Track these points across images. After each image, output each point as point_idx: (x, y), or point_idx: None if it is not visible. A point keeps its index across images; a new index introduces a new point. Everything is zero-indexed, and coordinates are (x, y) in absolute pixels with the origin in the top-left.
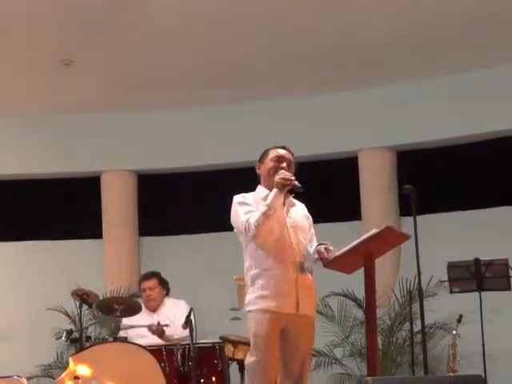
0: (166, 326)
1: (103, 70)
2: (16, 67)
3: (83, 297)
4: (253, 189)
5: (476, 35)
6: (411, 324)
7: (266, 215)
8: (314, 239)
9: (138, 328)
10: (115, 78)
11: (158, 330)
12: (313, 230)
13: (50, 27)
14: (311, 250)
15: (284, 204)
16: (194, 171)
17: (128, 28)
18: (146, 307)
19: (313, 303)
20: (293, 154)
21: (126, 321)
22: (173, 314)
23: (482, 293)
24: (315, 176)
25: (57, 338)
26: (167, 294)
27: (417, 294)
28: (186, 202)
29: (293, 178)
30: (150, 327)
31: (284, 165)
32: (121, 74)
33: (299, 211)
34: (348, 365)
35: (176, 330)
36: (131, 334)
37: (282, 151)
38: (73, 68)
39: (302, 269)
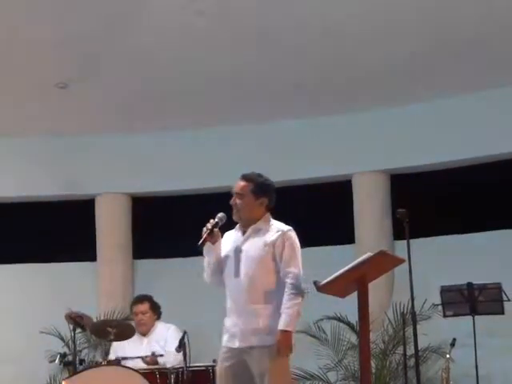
0: (161, 356)
1: (99, 92)
2: (13, 90)
3: (77, 320)
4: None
5: (470, 59)
6: (404, 348)
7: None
8: (293, 263)
9: (129, 352)
10: (111, 101)
11: (152, 361)
12: (286, 254)
13: (46, 51)
14: (279, 320)
15: (244, 234)
16: (189, 194)
17: (124, 51)
18: (137, 331)
19: (257, 331)
20: (249, 179)
21: (116, 345)
22: (163, 338)
23: (476, 317)
24: (309, 200)
25: (50, 361)
26: (158, 318)
27: (410, 318)
28: (180, 225)
29: (207, 228)
30: (143, 359)
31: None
32: (116, 96)
33: (261, 238)
34: None
35: (168, 358)
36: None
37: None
38: (69, 91)
39: (249, 300)
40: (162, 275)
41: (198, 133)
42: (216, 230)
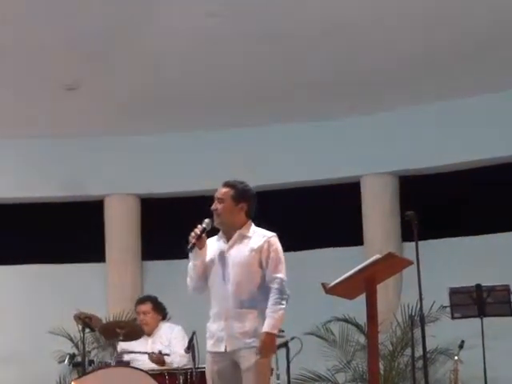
0: (167, 355)
1: (106, 94)
2: (22, 92)
3: (86, 321)
4: (257, 212)
5: (480, 61)
6: (413, 349)
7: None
8: (279, 269)
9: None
10: (118, 102)
11: (158, 359)
12: (272, 260)
13: (52, 52)
14: (265, 323)
15: (228, 241)
16: (198, 195)
17: (130, 52)
18: None
19: (244, 335)
20: (230, 185)
21: (123, 345)
22: (167, 339)
23: (484, 318)
24: (318, 201)
25: (59, 362)
26: (163, 319)
27: (418, 320)
28: (188, 227)
29: (196, 233)
30: (150, 355)
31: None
32: (124, 98)
33: (246, 244)
34: None
35: (175, 358)
36: (126, 358)
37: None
38: (76, 92)
39: (236, 305)
40: (171, 276)
41: (209, 134)
42: (204, 235)
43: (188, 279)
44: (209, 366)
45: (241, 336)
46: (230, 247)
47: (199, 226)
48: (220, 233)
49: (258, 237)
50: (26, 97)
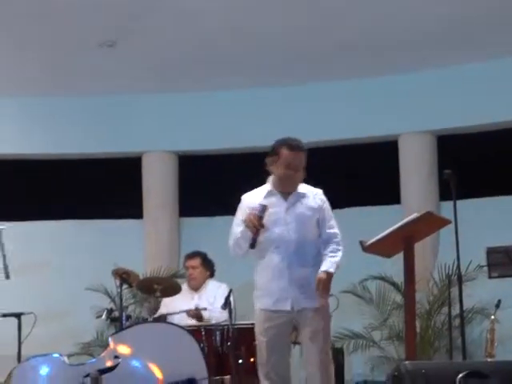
0: (205, 309)
1: (145, 51)
2: (62, 49)
3: (123, 276)
4: None
5: None
6: (449, 308)
7: (237, 243)
8: (334, 224)
9: (178, 307)
10: (157, 60)
11: (196, 315)
12: (328, 217)
13: (90, 10)
14: (322, 264)
15: (284, 198)
16: (236, 153)
17: (173, 11)
18: (188, 285)
19: (308, 294)
20: (304, 149)
21: (166, 300)
22: (213, 296)
23: None
24: (356, 159)
25: (97, 317)
26: (211, 276)
27: (456, 279)
28: (226, 183)
29: (256, 226)
30: (188, 312)
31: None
32: (162, 55)
33: (305, 203)
34: (386, 348)
35: (214, 314)
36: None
37: (293, 158)
38: (115, 50)
39: (299, 263)
40: (208, 233)
41: (246, 92)
42: (262, 222)
43: (233, 244)
44: (261, 323)
45: (305, 296)
46: (290, 206)
47: (253, 213)
48: (271, 190)
49: (311, 194)
50: (68, 54)
